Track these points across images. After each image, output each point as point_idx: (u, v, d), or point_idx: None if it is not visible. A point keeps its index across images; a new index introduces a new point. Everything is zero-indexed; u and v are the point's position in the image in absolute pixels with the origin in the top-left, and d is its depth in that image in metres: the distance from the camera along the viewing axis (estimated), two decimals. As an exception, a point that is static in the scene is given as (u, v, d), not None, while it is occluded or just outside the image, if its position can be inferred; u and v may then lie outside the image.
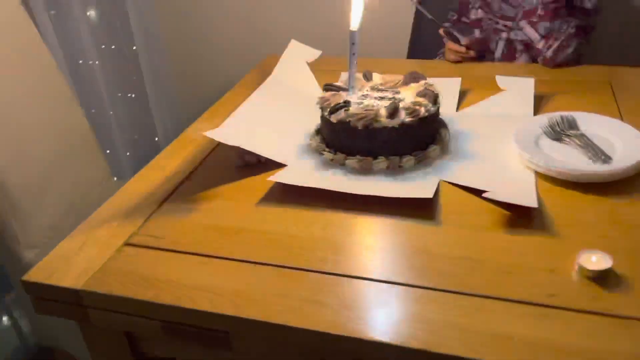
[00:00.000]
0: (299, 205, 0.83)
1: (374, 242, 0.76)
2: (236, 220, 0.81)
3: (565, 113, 0.95)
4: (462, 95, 1.13)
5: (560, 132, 0.91)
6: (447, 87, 1.13)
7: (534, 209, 0.76)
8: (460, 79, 1.15)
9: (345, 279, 0.68)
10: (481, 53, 1.35)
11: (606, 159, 0.83)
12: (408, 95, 0.94)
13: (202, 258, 0.74)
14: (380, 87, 0.98)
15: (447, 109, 1.06)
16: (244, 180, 0.90)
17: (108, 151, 1.90)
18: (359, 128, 0.87)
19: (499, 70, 1.26)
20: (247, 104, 1.04)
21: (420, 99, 0.91)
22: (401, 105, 0.90)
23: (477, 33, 1.36)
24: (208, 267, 0.72)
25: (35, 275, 0.73)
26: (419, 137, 0.90)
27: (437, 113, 0.92)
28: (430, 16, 1.27)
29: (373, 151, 0.89)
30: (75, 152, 1.42)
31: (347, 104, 0.91)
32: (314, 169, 0.91)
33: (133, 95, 2.01)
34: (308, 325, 0.62)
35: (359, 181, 0.87)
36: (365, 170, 0.89)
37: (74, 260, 0.75)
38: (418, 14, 1.54)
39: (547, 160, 0.83)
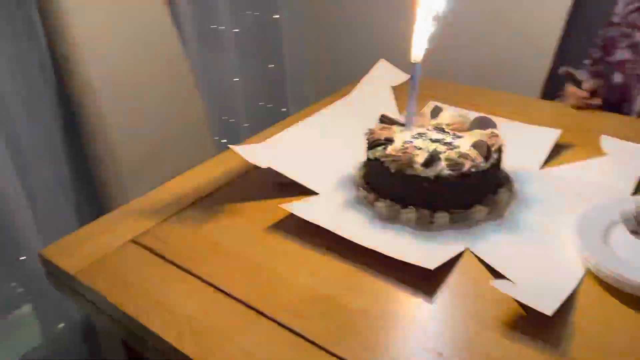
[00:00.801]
0: (302, 241, 0.77)
1: (347, 304, 0.67)
2: (237, 243, 0.79)
3: (665, 201, 0.74)
4: (559, 150, 0.95)
5: (643, 225, 0.72)
6: (540, 139, 0.97)
7: (552, 316, 0.60)
8: (559, 131, 0.97)
9: (293, 337, 0.62)
10: (613, 102, 1.12)
11: (685, 274, 0.63)
12: (465, 143, 0.82)
13: (184, 274, 0.73)
14: (443, 127, 0.87)
15: (528, 164, 0.91)
16: (272, 200, 0.87)
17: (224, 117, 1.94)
18: (392, 171, 0.79)
19: (629, 126, 1.04)
20: (309, 120, 1.00)
21: (471, 151, 0.79)
22: (448, 154, 0.78)
23: (616, 77, 1.14)
24: (182, 285, 0.71)
25: (48, 251, 0.80)
26: (460, 194, 0.78)
27: (490, 169, 0.79)
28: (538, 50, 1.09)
29: (406, 198, 0.80)
30: (185, 136, 1.52)
31: (388, 141, 0.83)
32: (342, 204, 0.84)
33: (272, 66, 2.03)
34: (229, 378, 0.58)
35: (381, 228, 0.78)
36: (392, 218, 0.80)
37: (84, 246, 0.80)
38: (560, 49, 1.34)
39: (601, 257, 0.66)
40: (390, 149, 0.81)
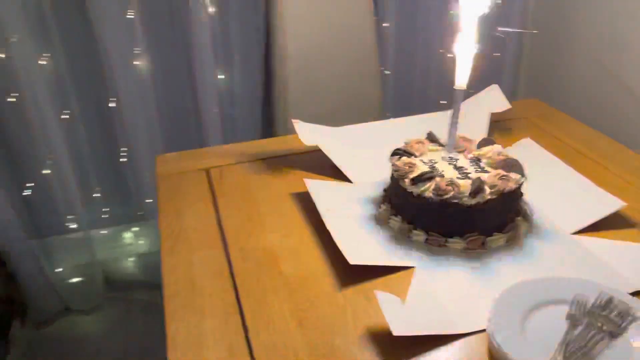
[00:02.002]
0: (302, 211, 0.91)
1: (279, 265, 0.79)
2: (261, 196, 0.96)
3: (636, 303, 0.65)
4: (616, 223, 0.85)
5: (585, 318, 0.64)
6: (598, 205, 0.87)
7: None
8: (623, 204, 0.85)
9: (225, 265, 0.79)
10: None
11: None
12: (484, 175, 0.83)
13: (209, 200, 0.95)
14: (480, 159, 0.88)
15: (566, 224, 0.85)
16: (314, 176, 1.01)
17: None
18: (394, 179, 0.86)
19: None
20: (391, 121, 1.09)
21: (464, 184, 0.79)
22: (443, 179, 0.81)
23: None
24: (201, 205, 0.93)
25: (160, 158, 1.10)
26: (439, 219, 0.81)
27: (478, 206, 0.78)
28: None
29: (398, 208, 0.86)
30: (356, 111, 1.70)
31: (405, 153, 0.88)
32: (359, 198, 0.93)
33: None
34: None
35: (366, 227, 0.86)
36: (384, 223, 0.87)
37: (179, 162, 1.08)
38: None
39: (504, 328, 0.64)
40: (402, 160, 0.87)
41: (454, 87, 0.86)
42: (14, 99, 1.48)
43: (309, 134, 1.03)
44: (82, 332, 1.68)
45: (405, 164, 0.86)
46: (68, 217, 1.69)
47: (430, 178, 0.81)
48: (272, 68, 1.62)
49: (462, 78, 0.85)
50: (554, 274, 0.74)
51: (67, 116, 1.60)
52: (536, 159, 1.00)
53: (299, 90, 1.63)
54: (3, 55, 1.41)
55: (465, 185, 0.80)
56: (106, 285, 1.79)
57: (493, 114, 1.13)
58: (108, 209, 1.84)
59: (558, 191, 0.92)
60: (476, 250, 0.80)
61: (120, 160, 1.74)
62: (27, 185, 1.63)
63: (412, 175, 0.83)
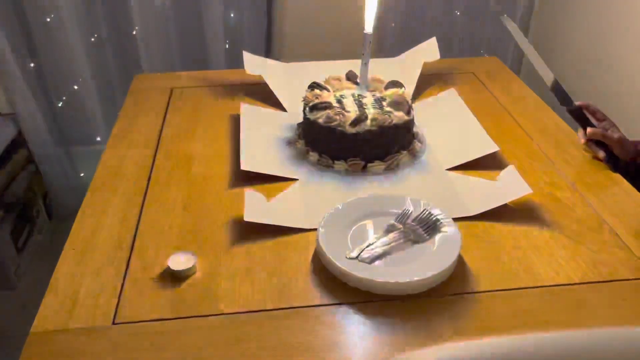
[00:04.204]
0: (236, 126, 1.07)
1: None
2: (214, 111, 1.13)
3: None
4: (497, 163, 0.95)
5: (400, 227, 0.77)
6: (478, 145, 0.97)
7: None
8: (497, 148, 0.95)
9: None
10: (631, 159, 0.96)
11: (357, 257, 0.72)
12: (373, 111, 0.95)
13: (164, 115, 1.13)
14: (383, 99, 1.00)
15: (444, 159, 0.96)
16: (258, 103, 1.16)
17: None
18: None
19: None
20: (340, 62, 1.20)
21: (352, 115, 0.92)
22: (338, 110, 0.94)
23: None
24: (152, 120, 1.12)
25: (137, 77, 1.29)
26: (328, 143, 0.94)
27: (356, 135, 0.91)
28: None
29: (302, 132, 1.01)
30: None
31: (319, 86, 1.01)
32: (285, 125, 1.07)
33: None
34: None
35: (278, 148, 1.01)
36: (291, 144, 1.02)
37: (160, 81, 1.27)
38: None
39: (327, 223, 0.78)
40: (313, 92, 1.00)
41: (364, 32, 0.98)
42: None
43: (255, 65, 1.18)
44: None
45: (314, 95, 0.99)
46: (92, 131, 1.93)
47: (325, 108, 0.95)
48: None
49: (369, 24, 0.96)
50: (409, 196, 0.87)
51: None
52: (449, 106, 1.10)
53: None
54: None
55: (351, 116, 0.93)
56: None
57: (444, 67, 1.23)
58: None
59: (452, 134, 1.03)
60: (357, 173, 0.94)
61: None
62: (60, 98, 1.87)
63: (311, 104, 0.96)
